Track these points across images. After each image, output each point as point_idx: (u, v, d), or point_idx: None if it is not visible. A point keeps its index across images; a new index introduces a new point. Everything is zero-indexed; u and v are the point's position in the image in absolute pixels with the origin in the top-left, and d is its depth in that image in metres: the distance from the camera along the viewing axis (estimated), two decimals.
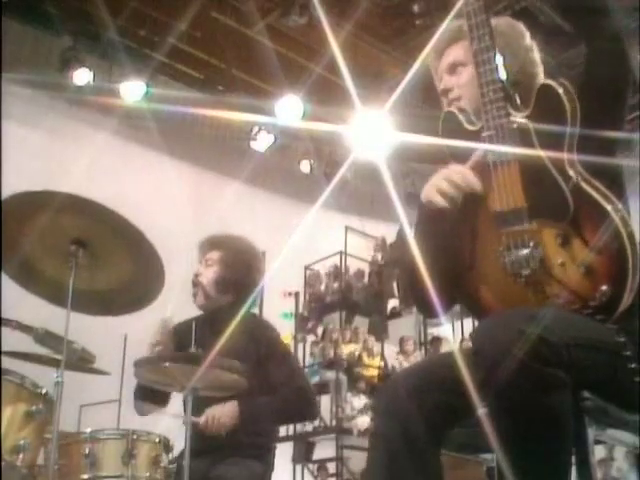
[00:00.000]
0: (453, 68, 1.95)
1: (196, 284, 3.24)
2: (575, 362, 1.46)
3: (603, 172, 1.67)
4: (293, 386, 3.14)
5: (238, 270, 3.26)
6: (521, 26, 1.96)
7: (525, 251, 1.65)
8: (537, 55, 1.95)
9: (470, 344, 1.58)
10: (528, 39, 1.95)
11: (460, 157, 1.80)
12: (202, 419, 2.86)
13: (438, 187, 1.74)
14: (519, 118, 1.71)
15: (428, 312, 1.87)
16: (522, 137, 1.69)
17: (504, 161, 1.71)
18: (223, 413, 2.93)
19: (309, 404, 3.27)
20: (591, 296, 1.59)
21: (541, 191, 1.67)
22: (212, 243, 3.32)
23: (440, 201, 1.73)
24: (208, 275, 3.24)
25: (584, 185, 1.62)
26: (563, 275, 1.62)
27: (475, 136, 1.76)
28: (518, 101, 1.77)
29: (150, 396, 3.07)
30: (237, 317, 3.07)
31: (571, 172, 1.64)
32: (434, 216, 1.79)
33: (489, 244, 1.72)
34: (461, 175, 1.73)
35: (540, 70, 1.94)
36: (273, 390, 3.04)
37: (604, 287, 1.57)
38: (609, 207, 1.58)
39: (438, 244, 1.81)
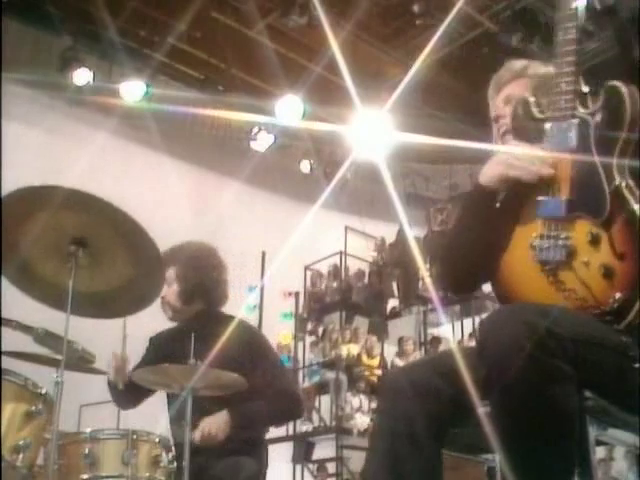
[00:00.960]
0: (509, 100, 2.02)
1: (163, 303, 3.30)
2: (580, 358, 1.47)
3: None
4: (278, 388, 3.20)
5: (194, 278, 3.30)
6: None
7: (556, 241, 1.69)
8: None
9: (470, 344, 1.58)
10: None
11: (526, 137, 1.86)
12: (197, 435, 2.90)
13: (514, 164, 1.78)
14: (583, 114, 1.75)
15: (461, 287, 1.92)
16: (581, 132, 1.73)
17: (559, 151, 1.75)
18: (216, 426, 2.99)
19: (294, 403, 3.37)
20: (604, 300, 1.60)
21: (585, 186, 1.71)
22: (165, 261, 3.34)
23: (521, 174, 1.76)
24: (170, 293, 3.29)
25: (624, 191, 1.65)
26: (584, 273, 1.64)
27: (540, 124, 1.81)
28: (588, 99, 1.80)
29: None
30: (221, 322, 3.16)
31: (617, 176, 1.67)
32: (489, 196, 1.84)
33: (527, 234, 1.76)
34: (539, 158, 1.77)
35: None
36: (259, 392, 3.07)
37: (618, 294, 1.59)
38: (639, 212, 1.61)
39: (485, 226, 1.84)
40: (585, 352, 1.49)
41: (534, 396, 1.43)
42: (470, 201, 1.92)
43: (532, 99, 1.87)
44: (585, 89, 1.79)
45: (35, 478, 2.53)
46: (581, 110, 1.75)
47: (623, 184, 1.65)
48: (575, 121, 1.73)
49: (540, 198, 1.75)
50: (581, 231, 1.67)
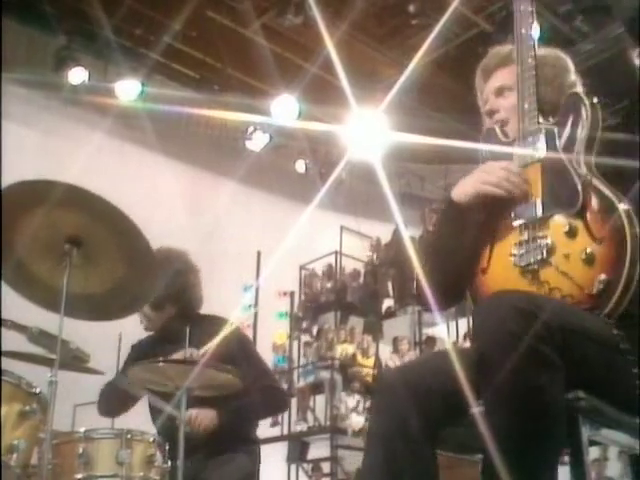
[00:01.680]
0: (500, 91, 2.04)
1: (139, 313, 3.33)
2: (568, 348, 1.48)
3: (617, 176, 1.75)
4: (262, 384, 3.26)
5: (163, 286, 3.29)
6: (568, 61, 2.08)
7: (534, 243, 1.74)
8: (580, 88, 2.05)
9: (465, 344, 1.60)
10: (573, 75, 2.06)
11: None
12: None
13: (486, 180, 1.82)
14: (548, 125, 1.85)
15: (433, 305, 1.92)
16: (548, 140, 1.83)
17: (529, 164, 1.83)
18: (204, 416, 3.02)
19: (278, 397, 3.51)
20: (589, 285, 1.64)
21: (555, 185, 1.78)
22: None
23: (489, 189, 1.81)
24: None
25: (595, 180, 1.73)
26: (566, 265, 1.68)
27: (508, 145, 1.93)
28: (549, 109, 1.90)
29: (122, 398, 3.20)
30: (199, 323, 3.21)
31: (585, 169, 1.75)
32: (462, 213, 1.86)
33: (505, 243, 1.81)
34: (512, 172, 1.82)
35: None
36: (244, 389, 3.09)
37: (602, 276, 1.62)
38: (615, 200, 1.67)
39: (459, 242, 1.87)
40: (573, 342, 1.50)
41: (522, 381, 1.45)
42: (444, 217, 1.95)
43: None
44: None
45: (29, 478, 2.52)
46: (545, 122, 1.85)
47: (592, 176, 1.74)
48: (541, 134, 1.84)
49: (517, 207, 1.81)
50: (557, 227, 1.72)
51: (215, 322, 3.34)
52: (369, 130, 8.50)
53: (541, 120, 1.85)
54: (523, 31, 1.93)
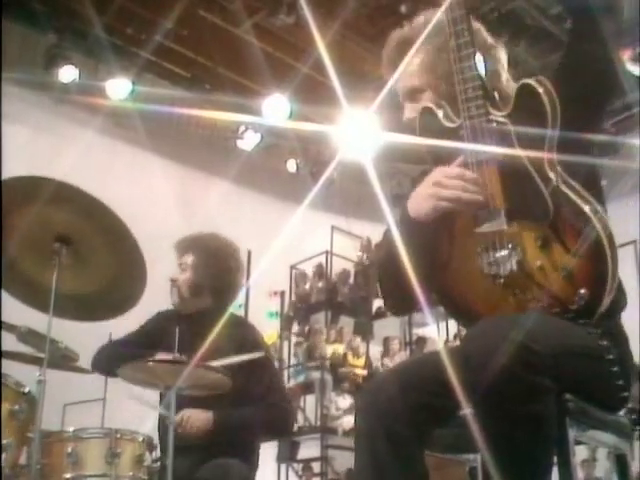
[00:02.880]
0: (413, 95, 1.94)
1: (173, 285, 3.26)
2: (560, 369, 1.47)
3: (581, 173, 1.66)
4: (271, 401, 3.15)
5: (212, 274, 3.25)
6: (477, 24, 1.90)
7: (503, 253, 1.64)
8: (503, 55, 1.91)
9: (456, 343, 1.59)
10: (489, 38, 1.92)
11: (441, 158, 1.78)
12: (177, 417, 2.88)
13: (442, 195, 1.70)
14: (499, 117, 1.68)
15: (399, 308, 1.88)
16: (501, 137, 1.66)
17: (483, 161, 1.67)
18: (197, 417, 2.97)
19: (284, 419, 3.33)
20: (570, 300, 1.58)
21: (520, 192, 1.65)
22: (185, 246, 3.31)
23: (446, 205, 1.69)
24: (182, 280, 3.25)
25: (563, 187, 1.61)
26: (542, 278, 1.61)
27: (453, 134, 1.73)
28: (497, 99, 1.75)
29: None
30: (221, 320, 3.09)
31: (551, 174, 1.62)
32: (418, 227, 1.79)
33: (468, 245, 1.72)
34: (467, 180, 1.69)
35: (504, 70, 1.91)
36: (251, 401, 3.05)
37: (582, 290, 1.56)
38: (587, 208, 1.57)
39: (416, 243, 1.79)
40: (565, 364, 1.50)
41: (516, 410, 1.44)
42: (401, 231, 1.86)
43: (434, 106, 1.79)
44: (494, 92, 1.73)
45: (18, 478, 2.52)
46: (496, 113, 1.68)
47: (560, 180, 1.61)
48: (492, 126, 1.66)
49: (477, 211, 1.69)
50: (529, 238, 1.63)
51: (243, 326, 3.28)
52: (360, 130, 8.50)
53: (490, 110, 1.68)
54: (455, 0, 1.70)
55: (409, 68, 1.93)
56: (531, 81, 1.65)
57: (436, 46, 1.87)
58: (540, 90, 1.62)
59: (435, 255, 1.78)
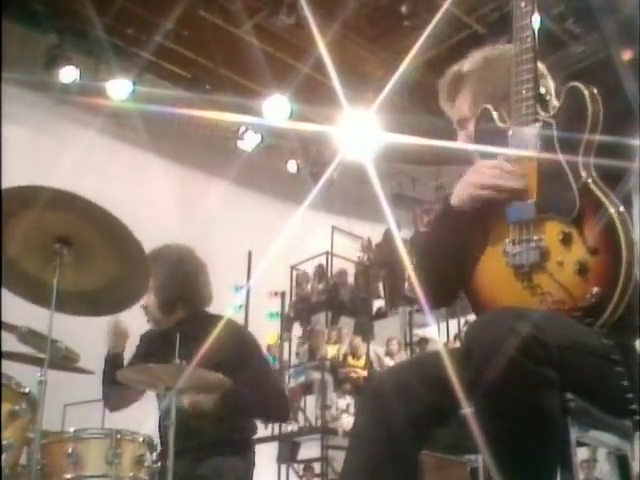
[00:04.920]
0: (463, 124, 2.01)
1: (145, 312, 3.25)
2: (564, 363, 1.47)
3: (613, 177, 1.70)
4: (266, 387, 3.17)
5: (174, 288, 3.21)
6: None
7: (528, 244, 1.69)
8: (551, 85, 1.98)
9: (456, 345, 1.59)
10: (544, 68, 1.99)
11: (488, 154, 1.86)
12: (185, 400, 2.89)
13: (480, 183, 1.78)
14: (546, 118, 1.75)
15: (424, 304, 1.91)
16: (544, 135, 1.74)
17: (524, 158, 1.75)
18: (204, 395, 2.96)
19: (280, 402, 3.33)
20: (581, 297, 1.60)
21: (552, 187, 1.71)
22: None
23: (485, 193, 1.77)
24: (151, 305, 3.23)
25: (592, 186, 1.65)
26: (558, 273, 1.64)
27: (504, 133, 1.81)
28: (549, 102, 1.81)
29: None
30: (209, 322, 3.12)
31: (583, 173, 1.67)
32: (458, 216, 1.83)
33: (498, 241, 1.77)
34: (504, 170, 1.77)
35: (552, 97, 1.97)
36: (247, 391, 3.06)
37: (595, 289, 1.58)
38: (612, 209, 1.60)
39: (454, 244, 1.84)
40: (569, 357, 1.49)
41: (519, 402, 1.43)
42: (441, 220, 1.92)
43: (491, 107, 1.88)
44: (542, 91, 1.81)
45: (18, 478, 2.52)
46: (542, 114, 1.76)
47: (590, 180, 1.66)
48: (537, 125, 1.74)
49: (510, 204, 1.75)
50: (552, 231, 1.67)
51: (235, 329, 3.28)
52: (361, 130, 8.51)
53: (538, 110, 1.76)
54: (522, 4, 1.84)
55: (459, 100, 2.02)
56: (578, 84, 1.72)
57: (482, 77, 2.00)
58: (585, 92, 1.69)
59: (470, 248, 1.84)
